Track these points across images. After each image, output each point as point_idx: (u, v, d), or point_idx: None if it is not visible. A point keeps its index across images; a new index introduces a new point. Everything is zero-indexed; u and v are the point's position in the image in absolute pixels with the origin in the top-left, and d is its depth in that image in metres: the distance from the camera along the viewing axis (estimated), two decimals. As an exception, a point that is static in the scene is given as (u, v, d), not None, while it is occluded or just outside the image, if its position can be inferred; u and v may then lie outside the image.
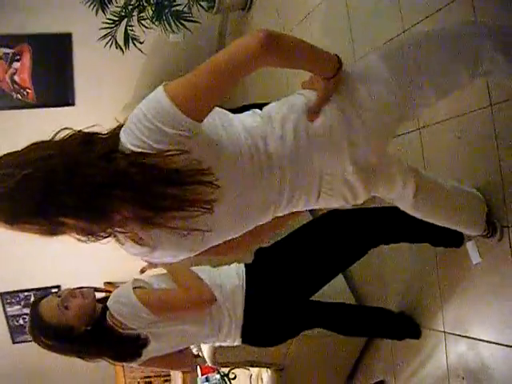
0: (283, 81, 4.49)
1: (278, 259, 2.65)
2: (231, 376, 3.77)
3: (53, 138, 1.48)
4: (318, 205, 1.77)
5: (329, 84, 1.65)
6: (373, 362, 3.50)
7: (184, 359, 2.73)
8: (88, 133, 1.48)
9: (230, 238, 1.66)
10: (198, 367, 4.03)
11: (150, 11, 4.49)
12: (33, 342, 2.38)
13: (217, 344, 2.76)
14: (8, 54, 5.10)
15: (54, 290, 2.43)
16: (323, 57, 1.66)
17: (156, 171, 1.39)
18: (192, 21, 4.52)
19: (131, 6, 4.46)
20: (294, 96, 1.74)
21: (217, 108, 1.57)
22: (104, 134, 1.49)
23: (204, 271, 2.57)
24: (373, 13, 3.35)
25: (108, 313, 2.35)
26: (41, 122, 5.26)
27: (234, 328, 2.54)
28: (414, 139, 2.90)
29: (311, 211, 3.25)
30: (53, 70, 5.29)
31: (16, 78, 5.18)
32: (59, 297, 2.38)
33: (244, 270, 2.61)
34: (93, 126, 1.51)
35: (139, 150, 1.41)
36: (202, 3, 4.76)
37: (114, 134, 1.48)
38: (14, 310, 5.81)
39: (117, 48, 4.49)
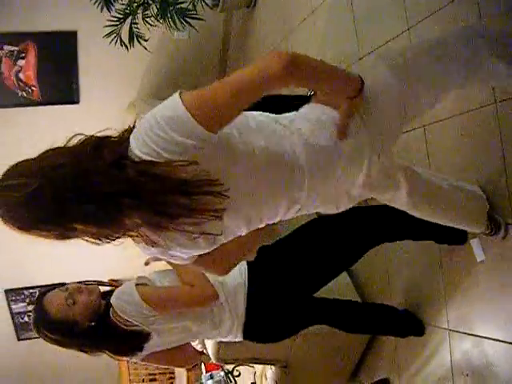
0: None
1: (280, 257, 2.65)
2: (235, 373, 3.79)
3: (66, 144, 1.48)
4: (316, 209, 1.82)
5: (352, 104, 1.67)
6: (376, 359, 3.50)
7: (185, 356, 2.74)
8: (99, 138, 1.48)
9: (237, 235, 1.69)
10: (203, 364, 4.04)
11: (154, 9, 4.50)
12: (38, 339, 2.40)
13: (218, 339, 2.77)
14: (13, 51, 5.12)
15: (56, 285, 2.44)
16: (345, 79, 1.68)
17: (164, 181, 1.40)
18: (197, 18, 4.53)
19: (136, 4, 4.47)
20: (314, 109, 1.76)
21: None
22: (114, 138, 1.50)
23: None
24: (377, 10, 3.34)
25: (111, 310, 2.36)
26: (46, 120, 5.29)
27: (235, 325, 2.55)
28: (418, 136, 2.90)
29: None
30: (58, 68, 5.31)
31: (21, 75, 5.20)
32: (66, 291, 2.39)
33: (246, 267, 2.62)
34: (105, 129, 1.53)
35: (148, 158, 1.42)
36: (206, 1, 4.76)
37: (124, 138, 1.49)
38: (18, 307, 5.82)
39: (122, 46, 4.49)
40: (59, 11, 5.03)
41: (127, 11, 4.46)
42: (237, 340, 2.64)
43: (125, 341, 2.39)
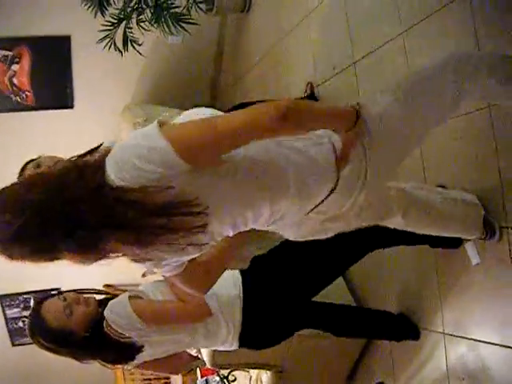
0: (282, 81, 4.49)
1: (274, 265, 2.67)
2: (231, 378, 3.77)
3: (50, 172, 1.49)
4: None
5: (349, 135, 1.68)
6: (372, 363, 3.50)
7: (179, 363, 2.74)
8: (81, 165, 1.48)
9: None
10: (198, 369, 4.03)
11: (148, 13, 4.49)
12: (32, 345, 2.39)
13: (212, 348, 2.79)
14: (7, 56, 5.10)
15: (53, 293, 2.43)
16: (339, 118, 1.69)
17: (140, 207, 1.41)
18: (191, 23, 4.53)
19: (130, 9, 4.46)
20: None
21: None
22: (93, 163, 1.49)
23: None
24: (371, 14, 3.35)
25: (105, 322, 2.37)
26: (40, 125, 5.27)
27: (232, 334, 2.56)
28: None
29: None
30: (52, 73, 5.29)
31: (15, 80, 5.19)
32: (64, 300, 2.39)
33: (240, 278, 2.62)
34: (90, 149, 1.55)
35: (123, 184, 1.42)
36: (200, 5, 4.76)
37: (102, 163, 1.48)
38: (13, 312, 5.80)
39: (116, 50, 4.49)
40: (53, 16, 5.02)
41: (121, 16, 4.46)
42: (232, 348, 2.64)
43: (117, 351, 2.39)
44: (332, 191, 1.67)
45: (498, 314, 2.45)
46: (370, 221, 2.06)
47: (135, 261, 1.56)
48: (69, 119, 5.36)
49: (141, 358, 2.44)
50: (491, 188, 2.42)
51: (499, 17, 2.35)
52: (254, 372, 3.74)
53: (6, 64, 5.11)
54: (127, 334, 2.35)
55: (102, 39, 4.45)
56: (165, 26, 4.45)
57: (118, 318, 2.35)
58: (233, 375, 3.77)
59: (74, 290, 2.47)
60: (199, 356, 3.10)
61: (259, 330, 2.63)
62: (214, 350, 3.07)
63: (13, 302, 5.78)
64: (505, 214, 2.37)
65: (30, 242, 1.41)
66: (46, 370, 5.56)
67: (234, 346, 2.62)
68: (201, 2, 4.79)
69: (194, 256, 1.65)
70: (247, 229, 1.71)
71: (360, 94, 3.42)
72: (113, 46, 4.47)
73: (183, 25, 4.48)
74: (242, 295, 2.58)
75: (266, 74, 4.85)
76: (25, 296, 5.74)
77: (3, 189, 1.47)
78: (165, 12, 4.42)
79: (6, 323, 5.84)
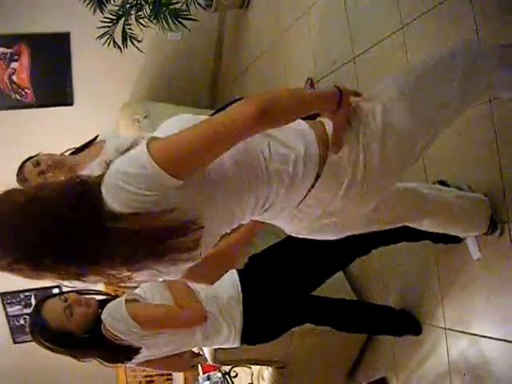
0: (282, 77, 4.49)
1: (271, 260, 2.68)
2: (232, 374, 3.78)
3: (48, 196, 1.41)
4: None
5: (336, 117, 1.64)
6: (374, 358, 3.50)
7: (180, 362, 2.75)
8: (81, 185, 1.44)
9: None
10: (200, 366, 4.03)
11: (147, 10, 4.48)
12: (33, 343, 2.40)
13: (213, 347, 2.83)
14: (6, 53, 5.10)
15: (55, 292, 2.44)
16: (322, 97, 1.64)
17: (139, 235, 1.39)
18: (190, 19, 4.51)
19: (129, 5, 4.45)
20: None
21: None
22: (92, 182, 1.44)
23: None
24: (371, 8, 3.34)
25: (103, 325, 2.39)
26: (40, 122, 5.27)
27: (233, 334, 2.57)
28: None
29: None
30: (51, 70, 5.29)
31: (14, 77, 5.18)
32: (65, 301, 2.40)
33: (238, 277, 2.63)
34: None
35: (119, 209, 1.39)
36: (199, 1, 4.75)
37: (99, 183, 1.44)
38: (14, 310, 5.81)
39: (115, 47, 4.48)
40: (52, 13, 5.01)
41: (120, 12, 4.45)
42: (233, 346, 2.65)
43: (115, 352, 2.42)
44: (317, 178, 1.63)
45: (500, 309, 2.45)
46: (381, 224, 2.03)
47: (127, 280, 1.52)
48: (68, 116, 5.36)
49: (139, 358, 2.46)
50: (492, 183, 2.42)
51: (499, 11, 2.35)
52: (255, 368, 3.74)
53: (5, 61, 5.11)
54: (124, 338, 2.37)
55: (101, 36, 4.44)
56: (164, 23, 4.44)
57: (115, 322, 2.38)
58: (234, 371, 3.77)
59: (76, 291, 2.48)
60: (201, 353, 3.11)
61: (260, 327, 2.64)
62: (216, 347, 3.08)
63: (14, 300, 5.79)
64: (505, 209, 2.37)
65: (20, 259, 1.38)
66: (47, 366, 5.56)
67: (236, 344, 2.63)
68: (200, -2, 4.79)
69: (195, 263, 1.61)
70: (245, 221, 1.69)
71: (360, 90, 3.40)
72: (112, 42, 4.46)
73: (182, 21, 4.46)
74: (241, 294, 2.59)
75: (266, 69, 4.84)
76: (26, 294, 5.76)
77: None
78: (164, 8, 4.41)
79: (8, 321, 5.85)
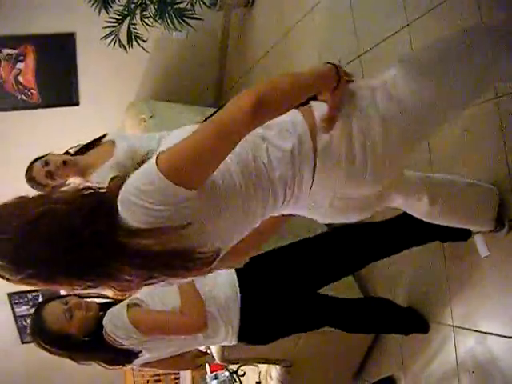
0: (282, 68, 4.47)
1: (272, 260, 2.69)
2: (240, 373, 3.77)
3: (59, 208, 1.37)
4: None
5: (334, 95, 1.61)
6: (381, 357, 3.49)
7: (180, 362, 2.76)
8: (95, 198, 1.41)
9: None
10: (207, 365, 4.04)
11: (152, 9, 4.48)
12: (39, 343, 2.42)
13: (214, 345, 2.86)
14: (12, 54, 5.11)
15: (60, 294, 2.45)
16: (321, 76, 1.59)
17: (155, 252, 1.36)
18: (195, 18, 4.52)
19: (134, 5, 4.46)
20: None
21: None
22: (109, 200, 1.41)
23: (197, 281, 2.57)
24: (375, 7, 3.33)
25: (104, 330, 2.40)
26: (46, 123, 5.28)
27: (230, 333, 2.59)
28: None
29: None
30: (57, 70, 5.30)
31: (20, 78, 5.19)
32: (66, 304, 2.41)
33: (236, 277, 2.64)
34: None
35: (136, 226, 1.37)
36: (204, 0, 4.75)
37: (116, 196, 1.41)
38: (22, 310, 5.83)
39: (120, 47, 4.49)
40: (57, 13, 5.01)
41: (125, 12, 4.45)
42: (232, 344, 2.67)
43: (115, 356, 2.44)
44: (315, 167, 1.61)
45: (508, 307, 2.45)
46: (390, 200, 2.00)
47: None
48: (74, 116, 5.36)
49: (139, 361, 2.49)
50: (499, 180, 2.41)
51: (505, 8, 2.33)
52: (263, 367, 3.74)
53: (10, 62, 5.12)
54: (125, 343, 2.39)
55: (106, 36, 4.44)
56: (169, 22, 4.44)
57: (116, 328, 2.39)
58: (242, 370, 3.77)
59: (79, 296, 2.49)
60: (208, 351, 3.11)
61: (257, 327, 2.66)
62: (223, 346, 3.09)
63: (21, 300, 5.80)
64: (513, 206, 2.36)
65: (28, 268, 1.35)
66: (55, 366, 5.56)
67: (233, 342, 2.66)
68: (205, -3, 4.78)
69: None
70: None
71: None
72: (117, 42, 4.47)
73: (187, 20, 4.47)
74: (239, 294, 2.60)
75: (271, 68, 4.83)
76: (33, 294, 5.77)
77: (4, 206, 1.39)
78: (169, 7, 4.41)
79: (16, 321, 5.86)
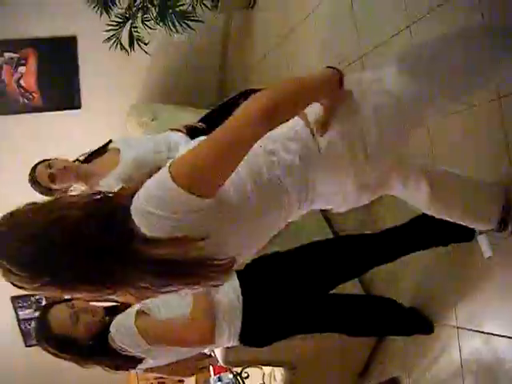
0: (289, 77, 4.48)
1: (273, 262, 2.69)
2: (244, 375, 3.77)
3: (72, 215, 1.37)
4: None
5: (334, 98, 1.64)
6: (385, 358, 3.49)
7: (183, 368, 2.76)
8: (106, 213, 1.40)
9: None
10: (211, 367, 4.04)
11: (154, 12, 4.49)
12: (44, 346, 2.41)
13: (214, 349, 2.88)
14: (13, 58, 5.12)
15: (65, 298, 2.45)
16: (327, 81, 1.61)
17: (169, 261, 1.37)
18: (196, 20, 4.52)
19: (135, 8, 4.47)
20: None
21: None
22: (122, 208, 1.40)
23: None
24: (377, 7, 3.33)
25: (110, 337, 2.39)
26: (48, 126, 5.29)
27: (232, 337, 2.59)
28: (422, 134, 2.88)
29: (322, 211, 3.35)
30: (58, 74, 5.31)
31: (22, 82, 5.20)
32: (72, 307, 2.40)
33: (237, 280, 2.63)
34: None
35: (150, 235, 1.36)
36: (205, 2, 4.76)
37: (129, 200, 1.41)
38: (25, 313, 5.83)
39: (122, 49, 4.50)
40: (58, 17, 5.03)
41: (126, 15, 4.46)
42: (232, 345, 2.67)
43: (119, 361, 2.43)
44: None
45: (512, 307, 2.44)
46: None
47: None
48: (76, 119, 5.37)
49: (143, 366, 2.48)
50: (502, 181, 2.40)
51: (507, 7, 2.33)
52: (267, 369, 3.74)
53: (12, 66, 5.13)
54: (130, 350, 2.38)
55: (108, 39, 4.46)
56: (170, 25, 4.45)
57: (123, 336, 2.38)
58: (246, 372, 3.77)
59: (85, 300, 2.48)
60: (212, 354, 3.11)
61: (258, 329, 2.65)
62: (227, 348, 3.08)
63: (25, 303, 5.80)
64: (516, 207, 2.35)
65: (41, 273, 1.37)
66: (59, 369, 5.55)
67: (234, 343, 2.65)
68: (206, -1, 4.79)
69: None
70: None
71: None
72: (119, 45, 4.48)
73: (188, 23, 4.47)
74: (241, 297, 2.59)
75: (273, 70, 4.83)
76: (37, 297, 5.77)
77: (17, 212, 1.39)
78: (170, 10, 4.42)
79: (19, 324, 5.86)
